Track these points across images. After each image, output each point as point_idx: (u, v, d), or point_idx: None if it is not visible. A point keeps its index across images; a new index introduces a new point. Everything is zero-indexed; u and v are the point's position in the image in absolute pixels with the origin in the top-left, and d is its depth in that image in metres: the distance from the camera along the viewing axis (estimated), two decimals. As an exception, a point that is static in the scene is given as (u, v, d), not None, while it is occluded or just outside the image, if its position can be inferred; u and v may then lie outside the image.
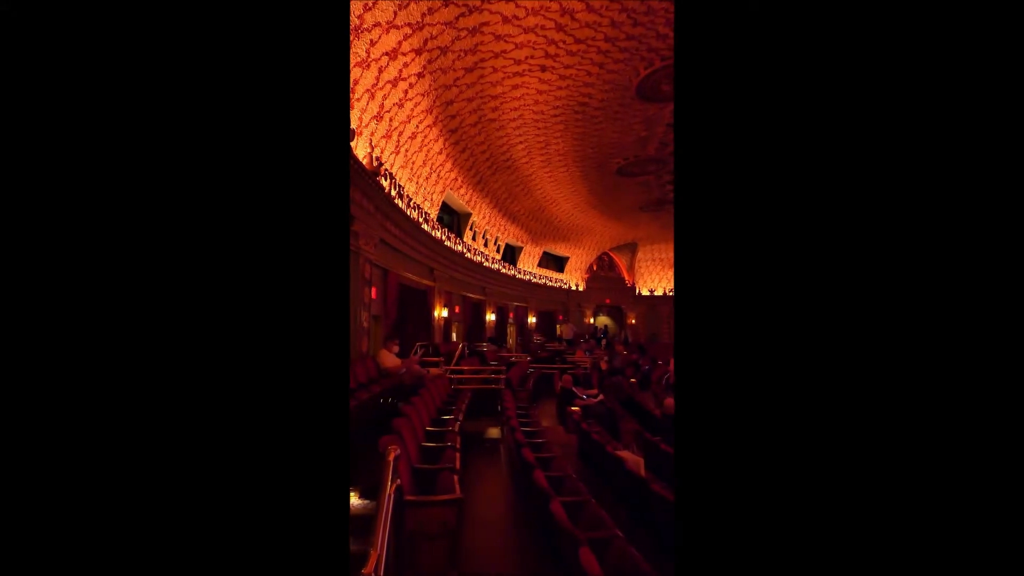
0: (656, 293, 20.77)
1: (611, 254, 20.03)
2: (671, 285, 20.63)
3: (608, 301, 20.29)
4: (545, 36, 6.37)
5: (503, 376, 7.52)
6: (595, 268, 19.82)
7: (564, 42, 6.51)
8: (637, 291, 20.70)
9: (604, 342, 16.76)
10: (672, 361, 13.36)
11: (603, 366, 11.17)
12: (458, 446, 3.65)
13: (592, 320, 19.74)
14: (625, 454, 3.67)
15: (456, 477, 2.75)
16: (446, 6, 5.64)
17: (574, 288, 18.84)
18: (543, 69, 7.13)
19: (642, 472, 3.42)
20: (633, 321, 20.60)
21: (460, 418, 4.81)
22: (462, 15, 5.84)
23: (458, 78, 7.06)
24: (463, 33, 6.15)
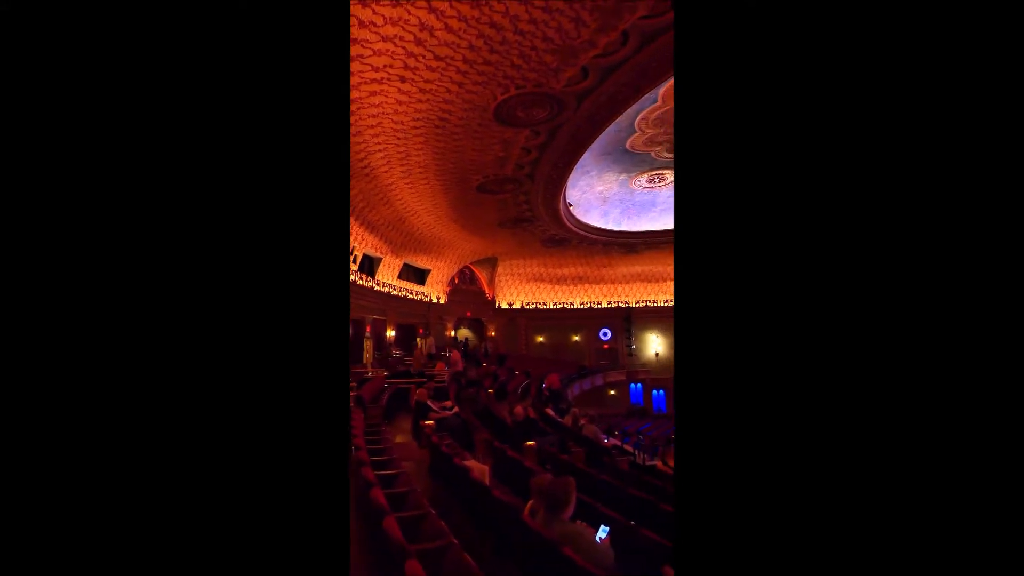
0: (515, 306, 21.76)
1: (472, 267, 20.48)
2: (528, 298, 21.84)
3: (469, 314, 20.64)
4: (404, 48, 6.35)
5: (354, 393, 7.13)
6: (457, 281, 20.05)
7: (424, 56, 6.56)
8: (497, 304, 21.45)
9: (464, 355, 16.95)
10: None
11: (461, 380, 11.30)
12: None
13: (453, 333, 19.86)
14: (472, 463, 3.75)
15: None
16: (295, -2, 5.28)
17: (435, 301, 18.78)
18: (403, 80, 7.07)
19: (487, 480, 3.53)
20: (493, 333, 21.25)
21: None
22: (314, 11, 5.52)
23: (309, 76, 6.63)
24: (315, 30, 5.82)
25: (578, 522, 2.52)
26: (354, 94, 7.29)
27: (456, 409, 7.20)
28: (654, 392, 21.03)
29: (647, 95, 8.37)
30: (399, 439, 6.44)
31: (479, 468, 3.70)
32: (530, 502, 2.80)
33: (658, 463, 6.25)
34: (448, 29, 6.02)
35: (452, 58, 6.62)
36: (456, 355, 12.11)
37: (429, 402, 7.00)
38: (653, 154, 12.82)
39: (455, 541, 2.26)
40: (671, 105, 10.53)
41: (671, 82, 9.31)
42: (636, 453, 8.26)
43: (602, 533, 2.51)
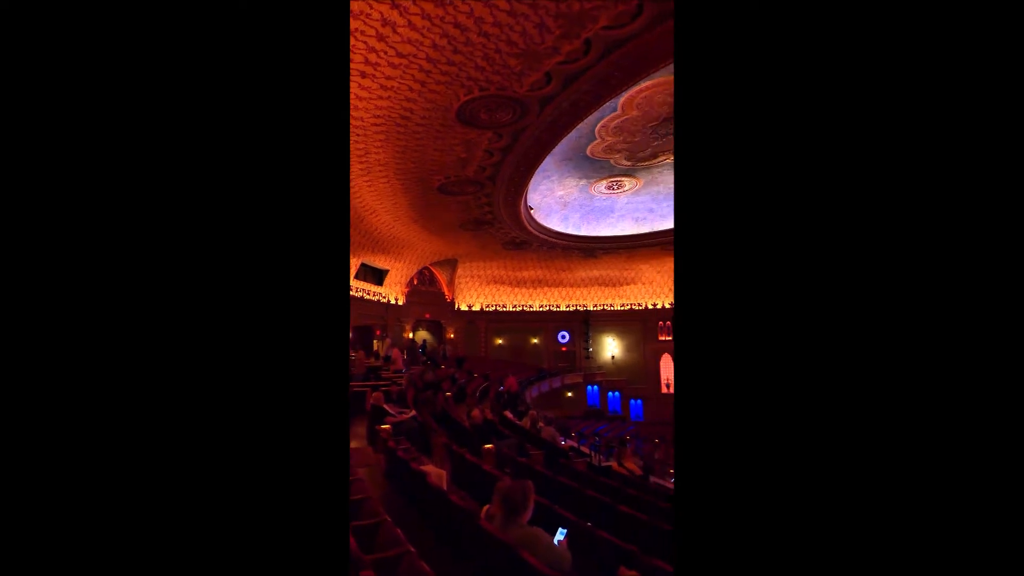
0: (475, 308, 21.66)
1: (432, 269, 20.24)
2: (488, 301, 21.81)
3: (428, 316, 20.37)
4: (365, 42, 6.20)
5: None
6: (416, 282, 19.75)
7: (386, 52, 6.43)
8: (456, 306, 21.29)
9: (423, 357, 16.72)
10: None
11: (419, 383, 11.13)
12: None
13: (411, 335, 19.55)
14: (429, 468, 3.69)
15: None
16: (249, -16, 5.05)
17: (394, 302, 18.42)
18: (363, 75, 6.91)
19: (444, 485, 3.48)
20: (452, 335, 21.07)
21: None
22: None
23: (263, 66, 6.35)
24: (270, 18, 5.58)
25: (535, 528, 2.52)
26: (311, 87, 7.05)
27: (413, 412, 7.07)
28: (610, 394, 21.48)
29: (607, 104, 8.57)
30: (353, 444, 6.25)
31: (436, 473, 3.64)
32: (486, 506, 2.78)
33: (613, 464, 6.38)
34: (411, 27, 5.93)
35: (415, 56, 6.52)
36: (396, 353, 11.89)
37: (386, 406, 6.84)
38: (612, 161, 13.12)
39: (411, 549, 2.21)
40: (630, 114, 10.82)
41: (630, 92, 9.57)
42: (592, 454, 8.40)
43: (560, 535, 2.52)
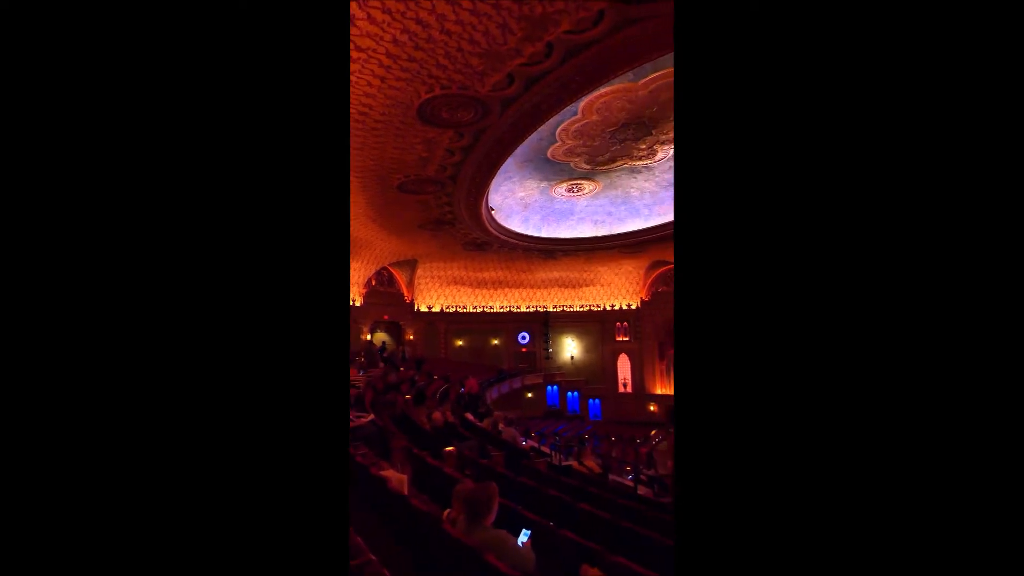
0: (434, 309, 21.41)
1: (391, 269, 19.84)
2: (448, 302, 21.61)
3: (387, 317, 19.96)
4: (322, 34, 6.00)
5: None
6: (374, 283, 19.31)
7: (344, 46, 6.24)
8: (416, 307, 20.97)
9: (382, 360, 16.35)
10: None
11: (379, 385, 10.88)
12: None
13: (370, 337, 19.08)
14: (389, 473, 3.60)
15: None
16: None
17: (351, 303, 17.93)
18: (319, 68, 6.68)
19: (405, 490, 3.41)
20: (411, 337, 20.73)
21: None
22: (218, -17, 5.02)
23: (211, 53, 6.02)
24: (219, 3, 5.29)
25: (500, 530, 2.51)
26: (264, 78, 6.74)
27: (372, 416, 6.89)
28: (569, 394, 21.77)
29: (568, 107, 8.68)
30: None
31: (397, 478, 3.56)
32: (447, 510, 2.74)
33: (573, 463, 6.46)
34: (371, 20, 5.79)
35: (374, 50, 6.37)
36: None
37: (342, 410, 6.63)
38: (572, 164, 13.31)
39: (373, 557, 2.14)
40: (590, 119, 11.02)
41: (590, 97, 9.75)
42: (553, 454, 8.47)
43: (524, 536, 2.52)
